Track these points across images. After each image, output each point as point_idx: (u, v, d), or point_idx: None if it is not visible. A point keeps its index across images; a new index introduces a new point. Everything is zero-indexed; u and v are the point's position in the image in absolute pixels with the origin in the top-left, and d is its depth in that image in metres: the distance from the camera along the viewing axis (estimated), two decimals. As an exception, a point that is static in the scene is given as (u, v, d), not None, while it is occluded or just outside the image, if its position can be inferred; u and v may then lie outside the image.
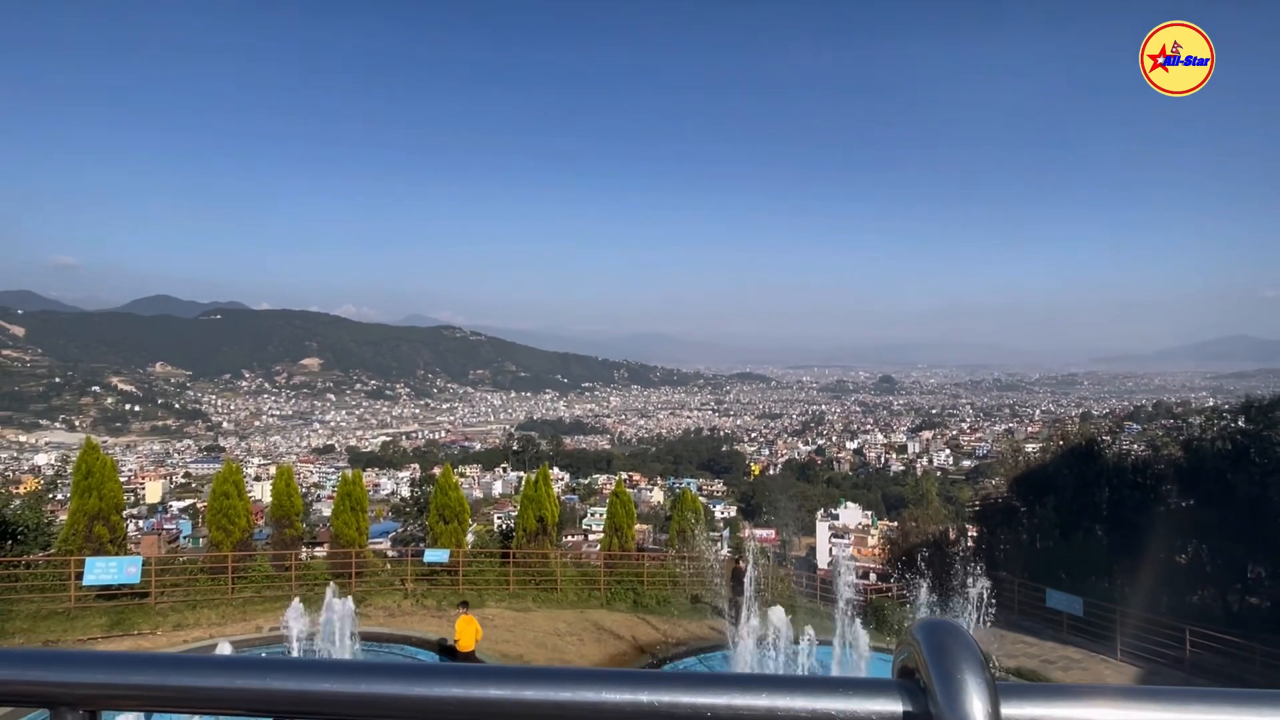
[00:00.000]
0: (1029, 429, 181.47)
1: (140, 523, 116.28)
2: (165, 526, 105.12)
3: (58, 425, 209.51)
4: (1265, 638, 18.86)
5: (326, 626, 13.13)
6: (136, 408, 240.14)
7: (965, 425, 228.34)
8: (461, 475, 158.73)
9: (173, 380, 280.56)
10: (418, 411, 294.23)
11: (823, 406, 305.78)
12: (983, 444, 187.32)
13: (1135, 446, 37.66)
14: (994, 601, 13.70)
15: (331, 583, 13.60)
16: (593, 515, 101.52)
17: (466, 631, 14.26)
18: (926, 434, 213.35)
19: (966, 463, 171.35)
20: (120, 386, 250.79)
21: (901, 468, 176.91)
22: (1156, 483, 26.95)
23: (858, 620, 13.77)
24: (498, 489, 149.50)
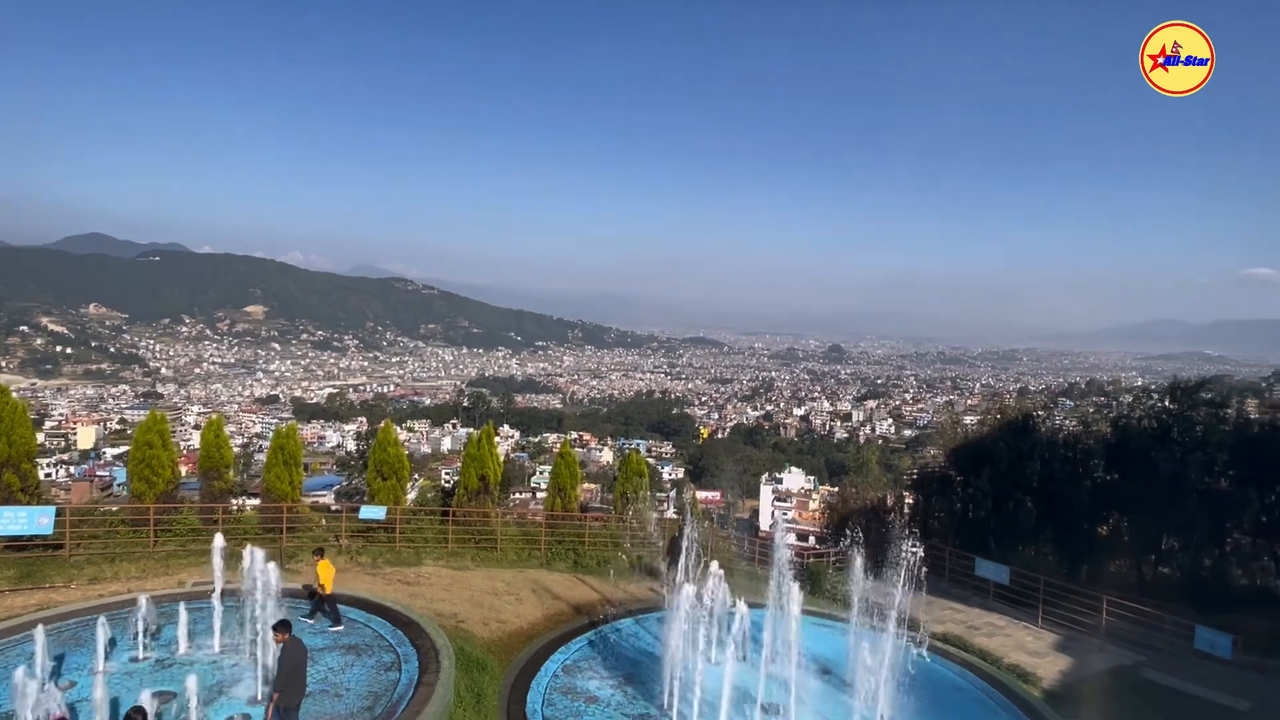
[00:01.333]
0: (969, 401, 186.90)
1: (72, 469, 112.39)
2: (98, 473, 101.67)
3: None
4: (1173, 606, 19.73)
5: (247, 583, 12.62)
6: (68, 350, 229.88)
7: (908, 396, 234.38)
8: (410, 430, 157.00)
9: (108, 322, 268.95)
10: (366, 364, 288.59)
11: (773, 373, 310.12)
12: (924, 414, 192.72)
13: (1068, 422, 38.84)
14: (926, 569, 13.89)
15: (249, 547, 12.88)
16: (541, 473, 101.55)
17: (327, 575, 14.17)
18: (871, 403, 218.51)
19: (908, 432, 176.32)
20: (51, 327, 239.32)
21: (845, 435, 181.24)
22: (1085, 457, 27.79)
23: (793, 584, 13.83)
24: (447, 445, 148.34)
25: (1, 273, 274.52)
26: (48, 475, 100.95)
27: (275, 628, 10.21)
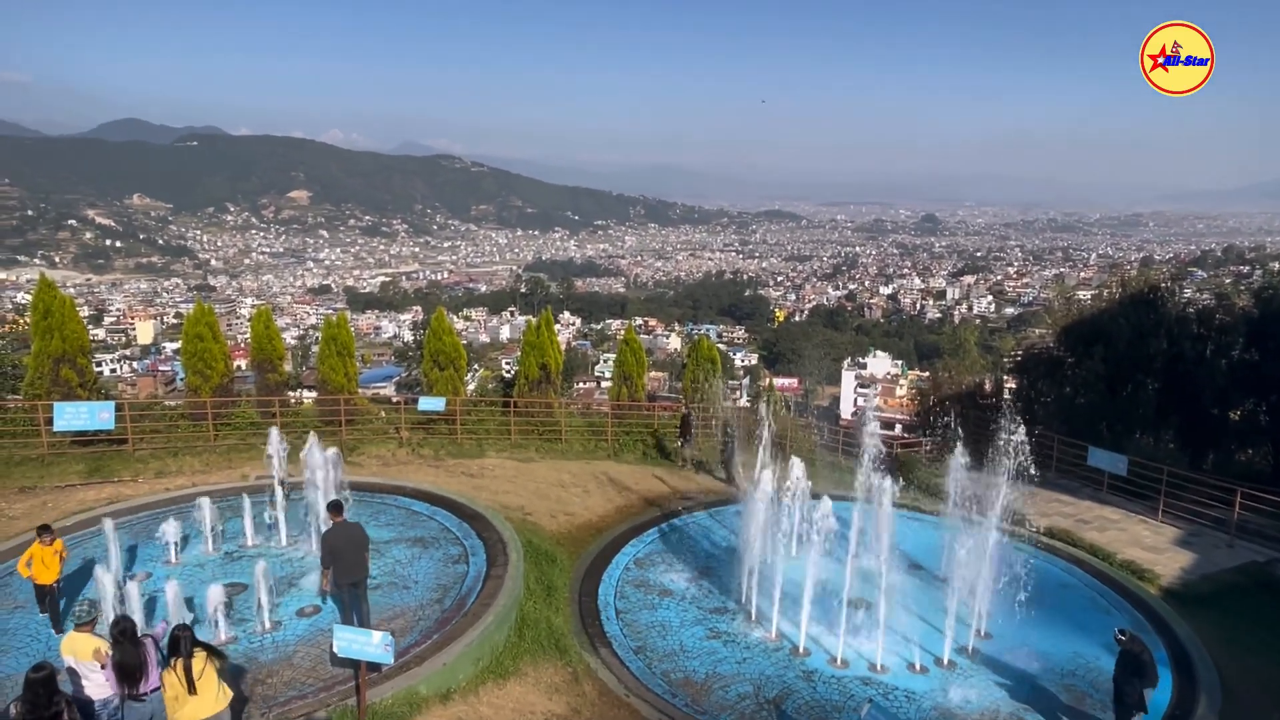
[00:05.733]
0: (1083, 274, 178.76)
1: (134, 364, 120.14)
2: (160, 368, 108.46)
3: (37, 261, 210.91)
4: (1318, 498, 18.86)
5: (309, 476, 13.21)
6: (118, 243, 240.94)
7: (1012, 270, 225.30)
8: (467, 319, 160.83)
9: (153, 214, 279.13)
10: (417, 250, 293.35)
11: (857, 248, 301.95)
12: (1029, 290, 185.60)
13: (1200, 295, 36.53)
14: (1030, 458, 13.47)
15: (311, 432, 13.50)
16: (605, 362, 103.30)
17: (52, 563, 10.46)
18: (968, 279, 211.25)
19: (1010, 310, 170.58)
20: (98, 220, 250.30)
21: (938, 315, 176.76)
22: (1220, 334, 26.19)
23: (881, 473, 13.67)
24: (505, 334, 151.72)
25: (43, 164, 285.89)
26: (113, 371, 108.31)
27: (328, 507, 10.77)
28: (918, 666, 11.52)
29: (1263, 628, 13.58)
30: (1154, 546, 16.05)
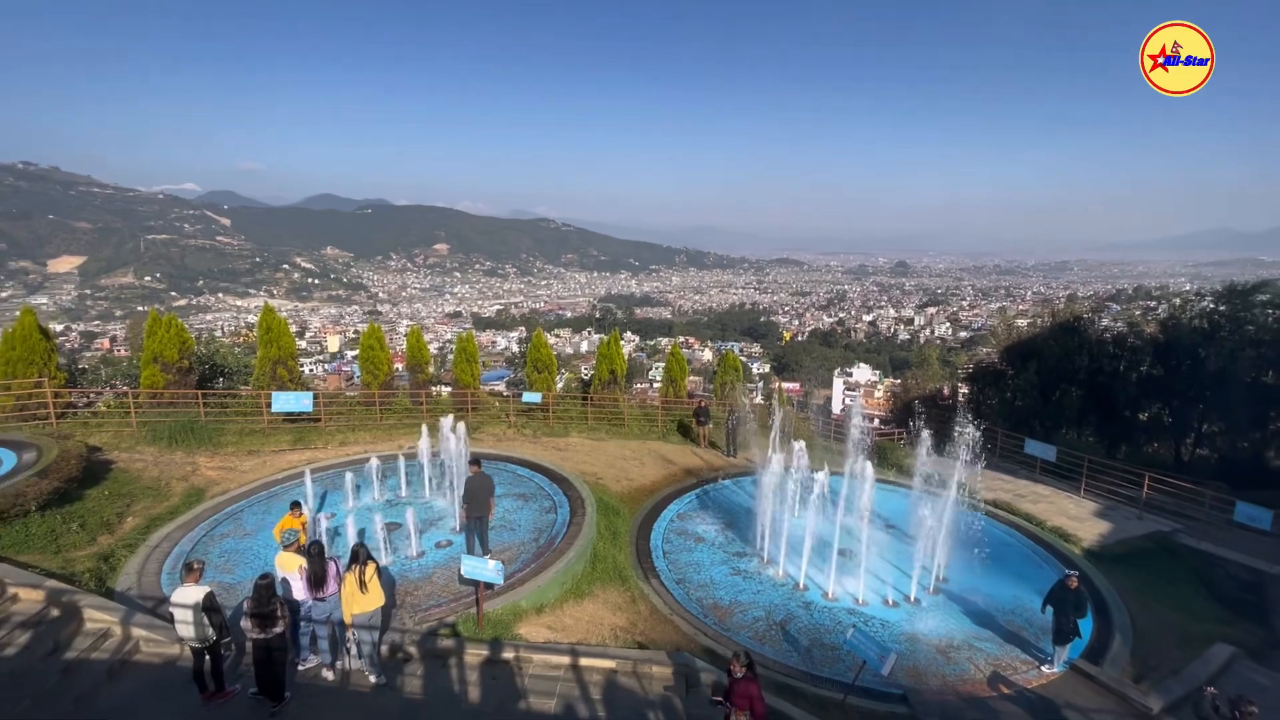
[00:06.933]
0: (1020, 307, 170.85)
1: (325, 366, 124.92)
2: (344, 369, 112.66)
3: (261, 293, 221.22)
4: (1210, 483, 17.66)
5: (445, 446, 13.51)
6: (316, 281, 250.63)
7: (965, 303, 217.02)
8: (557, 336, 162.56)
9: (340, 261, 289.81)
10: (522, 286, 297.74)
11: (845, 286, 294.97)
12: (979, 319, 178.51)
13: (1115, 323, 34.56)
14: (979, 446, 12.96)
15: (448, 415, 13.81)
16: (657, 369, 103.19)
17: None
18: (931, 310, 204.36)
19: (964, 334, 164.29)
20: (303, 265, 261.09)
21: (908, 337, 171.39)
22: (1131, 354, 24.81)
23: (864, 455, 13.31)
24: (584, 347, 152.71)
25: (267, 226, 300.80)
26: (311, 370, 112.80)
27: (470, 461, 11.15)
28: (891, 602, 11.20)
29: (1165, 582, 12.82)
30: (1077, 517, 15.27)
